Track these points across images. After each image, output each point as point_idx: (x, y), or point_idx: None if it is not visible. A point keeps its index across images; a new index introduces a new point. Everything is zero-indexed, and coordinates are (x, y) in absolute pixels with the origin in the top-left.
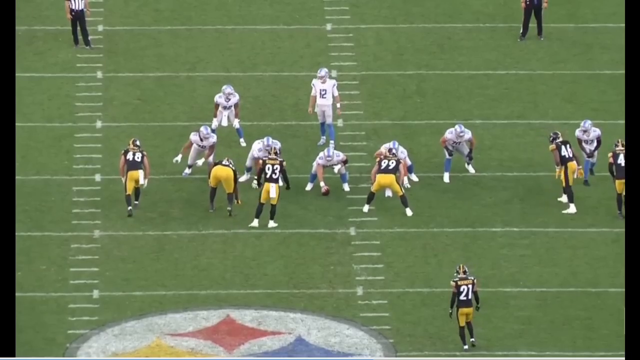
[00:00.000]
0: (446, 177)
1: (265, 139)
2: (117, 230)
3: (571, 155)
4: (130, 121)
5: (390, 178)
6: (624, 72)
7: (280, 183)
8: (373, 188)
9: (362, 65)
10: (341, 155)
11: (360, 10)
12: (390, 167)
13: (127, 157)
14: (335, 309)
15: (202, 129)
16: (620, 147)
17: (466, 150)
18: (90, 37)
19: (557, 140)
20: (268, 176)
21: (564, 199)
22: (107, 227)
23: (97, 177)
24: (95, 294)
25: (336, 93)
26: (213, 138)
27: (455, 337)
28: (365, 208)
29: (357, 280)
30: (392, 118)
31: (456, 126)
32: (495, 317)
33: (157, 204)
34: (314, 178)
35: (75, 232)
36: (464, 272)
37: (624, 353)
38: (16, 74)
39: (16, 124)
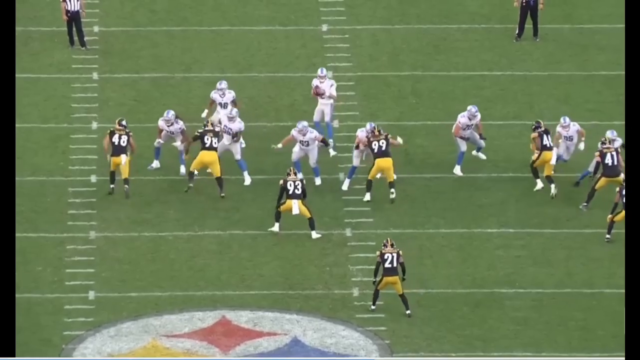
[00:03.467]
0: (458, 170)
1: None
2: (112, 231)
3: (550, 145)
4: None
5: (389, 162)
6: (619, 73)
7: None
8: (370, 175)
9: (358, 66)
10: (315, 133)
11: (356, 11)
12: (384, 148)
13: (113, 140)
14: (331, 310)
15: (165, 113)
16: (607, 145)
17: (477, 137)
18: (85, 38)
19: (540, 129)
20: (290, 192)
21: (539, 184)
22: (103, 228)
23: (93, 178)
24: (91, 295)
25: (334, 93)
26: (179, 124)
27: (451, 338)
28: (367, 196)
29: (353, 281)
30: (387, 119)
31: (469, 107)
32: (491, 318)
33: (153, 205)
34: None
35: (71, 233)
36: (392, 245)
37: (620, 354)
38: None
39: None
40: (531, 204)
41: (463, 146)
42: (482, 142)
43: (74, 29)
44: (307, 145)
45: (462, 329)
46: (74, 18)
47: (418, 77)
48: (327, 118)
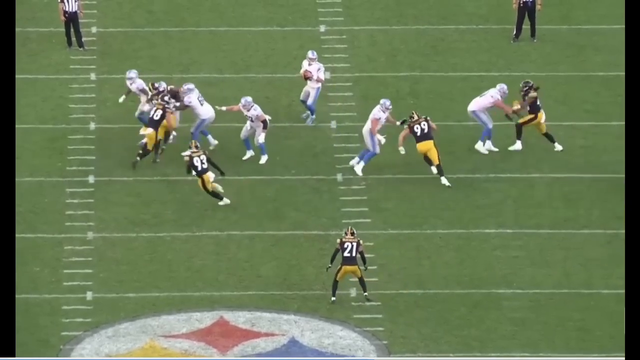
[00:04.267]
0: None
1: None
2: (110, 232)
3: (541, 105)
4: (123, 123)
5: (430, 144)
6: (617, 73)
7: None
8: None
9: (356, 66)
10: (259, 112)
11: (354, 12)
12: (426, 131)
13: (150, 112)
14: (329, 310)
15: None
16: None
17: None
18: (83, 39)
19: (529, 87)
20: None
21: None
22: (101, 229)
23: (91, 179)
24: (89, 295)
25: (322, 77)
26: (137, 83)
27: (449, 338)
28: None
29: (350, 281)
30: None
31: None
32: (489, 319)
33: (151, 206)
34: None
35: (68, 233)
36: (352, 234)
37: (617, 355)
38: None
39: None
40: (529, 204)
41: (490, 123)
42: (490, 126)
43: (72, 29)
44: (252, 121)
45: (460, 329)
46: (71, 19)
47: (416, 77)
48: (309, 101)
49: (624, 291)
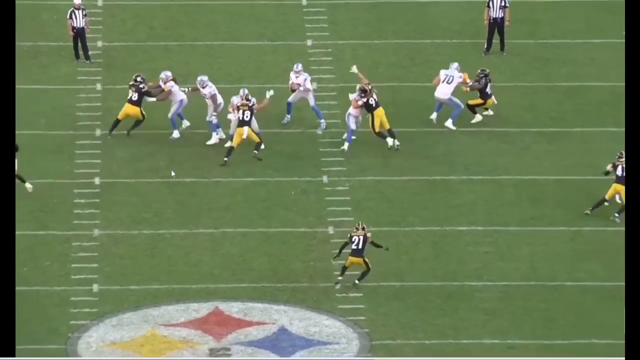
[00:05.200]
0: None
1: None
2: (114, 229)
3: (491, 92)
4: (126, 129)
5: (381, 111)
6: (579, 84)
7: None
8: (376, 127)
9: (340, 77)
10: (210, 91)
11: (338, 27)
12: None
13: (238, 116)
14: (315, 301)
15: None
16: (622, 159)
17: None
18: (90, 52)
19: (485, 76)
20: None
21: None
22: (106, 227)
23: (97, 181)
24: (95, 287)
25: (309, 86)
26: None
27: (425, 327)
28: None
29: (335, 275)
30: (367, 126)
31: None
32: (462, 309)
33: (151, 205)
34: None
35: (76, 231)
36: (362, 229)
37: (579, 341)
38: (22, 86)
39: (22, 131)
40: (498, 204)
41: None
42: (461, 105)
43: (80, 44)
44: (207, 99)
45: (435, 318)
46: (79, 34)
47: (395, 87)
48: (311, 103)
49: (585, 283)
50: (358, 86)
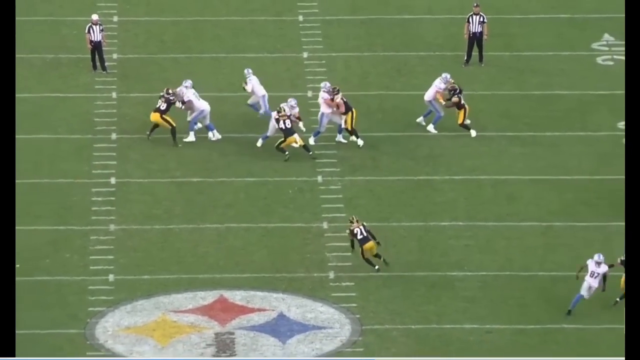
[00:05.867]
0: (432, 128)
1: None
2: (129, 224)
3: (463, 103)
4: (140, 133)
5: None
6: (550, 92)
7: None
8: (349, 124)
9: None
10: (185, 94)
11: (332, 41)
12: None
13: (280, 126)
14: (311, 290)
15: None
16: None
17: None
18: (106, 64)
19: (460, 95)
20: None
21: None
22: (121, 222)
23: (112, 180)
24: (111, 277)
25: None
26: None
27: (411, 313)
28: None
29: (329, 266)
30: (358, 131)
31: (443, 74)
32: (444, 297)
33: (162, 203)
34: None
35: (94, 226)
36: (357, 221)
37: (550, 326)
38: (44, 94)
39: (45, 135)
40: (478, 202)
41: (442, 111)
42: (442, 113)
43: (97, 56)
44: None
45: (420, 305)
46: (96, 47)
47: (383, 96)
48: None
49: (556, 273)
50: (328, 87)
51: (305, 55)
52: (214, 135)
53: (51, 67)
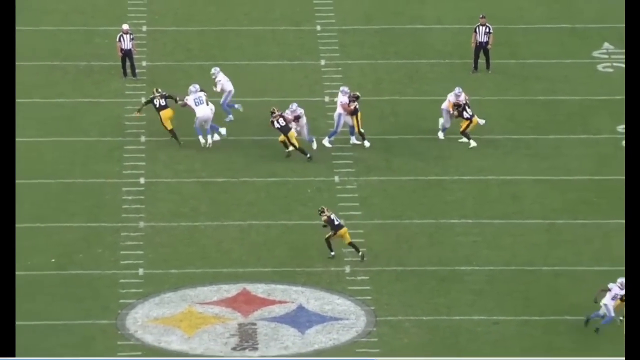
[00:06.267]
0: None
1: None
2: (157, 222)
3: (471, 114)
4: (168, 136)
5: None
6: (553, 97)
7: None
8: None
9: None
10: (192, 97)
11: (348, 49)
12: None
13: (276, 126)
14: (329, 283)
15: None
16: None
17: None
18: (136, 71)
19: (460, 106)
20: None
21: (472, 143)
22: (150, 220)
23: (142, 180)
24: (141, 271)
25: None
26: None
27: (422, 305)
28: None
29: (345, 261)
30: (372, 134)
31: (456, 89)
32: (454, 290)
33: (189, 202)
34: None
35: (124, 223)
36: (327, 210)
37: (553, 317)
38: (78, 100)
39: (78, 138)
40: (485, 200)
41: (448, 123)
42: (449, 124)
43: (127, 63)
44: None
45: (431, 298)
46: (127, 55)
47: (396, 101)
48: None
49: (558, 268)
50: (346, 91)
51: (322, 62)
52: (219, 135)
53: (84, 74)
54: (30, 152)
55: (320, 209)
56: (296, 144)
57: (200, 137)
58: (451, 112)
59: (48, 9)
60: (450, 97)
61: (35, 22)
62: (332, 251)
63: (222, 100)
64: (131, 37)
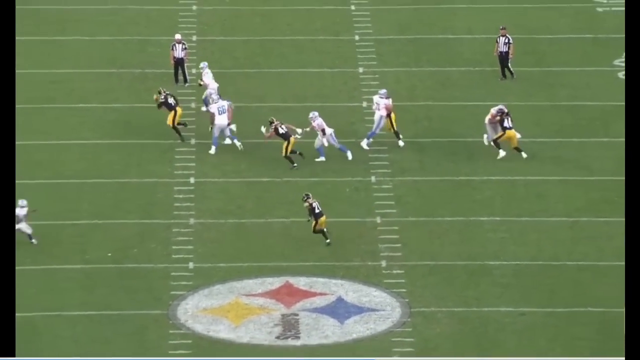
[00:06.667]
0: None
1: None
2: (206, 219)
3: (510, 126)
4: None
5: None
6: (577, 103)
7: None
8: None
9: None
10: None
11: (384, 57)
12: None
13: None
14: (366, 276)
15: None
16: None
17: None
18: (187, 77)
19: (503, 114)
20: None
21: (501, 153)
22: (199, 217)
23: (192, 180)
24: (191, 265)
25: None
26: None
27: (453, 297)
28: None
29: (381, 255)
30: (406, 137)
31: (381, 90)
32: (483, 283)
33: (235, 200)
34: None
35: (175, 220)
36: (311, 197)
37: (577, 309)
38: (133, 105)
39: (132, 141)
40: (512, 199)
41: (493, 134)
42: (495, 134)
43: (179, 70)
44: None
45: (462, 291)
46: (179, 63)
47: (429, 106)
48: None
49: (582, 263)
50: (385, 93)
51: (360, 70)
52: (233, 141)
53: (139, 81)
54: (88, 154)
55: (305, 194)
56: (288, 152)
57: (214, 148)
58: (494, 120)
59: (105, 20)
60: (493, 111)
61: (93, 32)
62: (327, 239)
63: (203, 96)
64: (183, 46)
